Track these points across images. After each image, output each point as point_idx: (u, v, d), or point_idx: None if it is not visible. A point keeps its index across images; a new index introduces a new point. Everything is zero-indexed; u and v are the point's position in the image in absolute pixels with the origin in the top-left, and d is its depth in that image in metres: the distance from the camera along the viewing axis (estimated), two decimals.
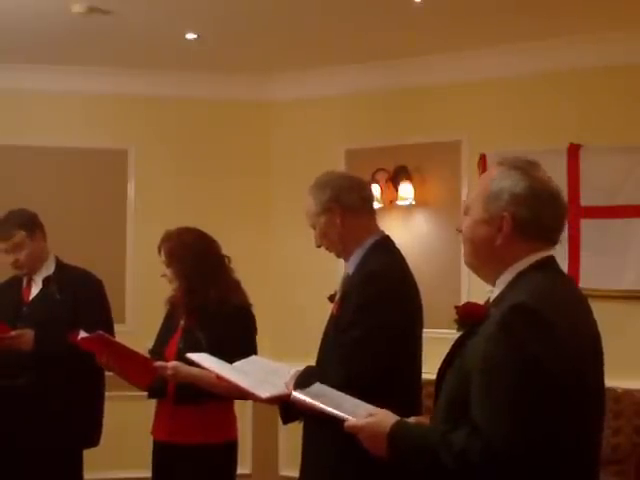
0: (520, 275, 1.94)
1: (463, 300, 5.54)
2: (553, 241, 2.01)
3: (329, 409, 2.11)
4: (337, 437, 2.56)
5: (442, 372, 1.98)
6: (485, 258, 2.00)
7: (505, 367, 1.77)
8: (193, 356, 3.09)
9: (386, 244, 2.81)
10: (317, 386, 2.30)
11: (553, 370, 1.77)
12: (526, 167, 2.03)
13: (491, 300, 1.98)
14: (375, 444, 1.95)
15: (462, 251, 2.08)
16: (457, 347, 1.96)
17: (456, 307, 1.97)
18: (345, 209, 2.77)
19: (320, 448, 2.70)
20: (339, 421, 2.06)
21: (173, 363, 3.31)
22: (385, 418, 1.97)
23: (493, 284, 2.01)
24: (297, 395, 2.23)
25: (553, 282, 1.95)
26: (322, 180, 2.87)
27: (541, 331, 1.79)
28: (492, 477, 1.75)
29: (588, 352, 1.90)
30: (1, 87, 5.91)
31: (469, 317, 1.94)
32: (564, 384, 1.78)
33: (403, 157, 5.73)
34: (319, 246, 2.87)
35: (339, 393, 2.25)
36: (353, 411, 2.09)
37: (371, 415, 2.01)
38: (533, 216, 1.96)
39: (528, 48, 5.35)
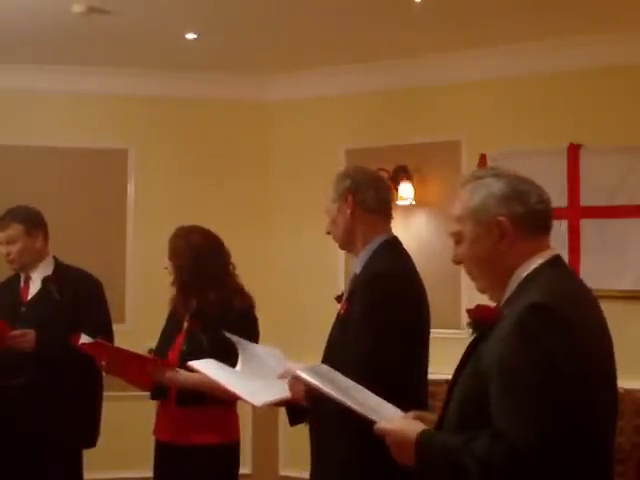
0: (530, 275, 1.91)
1: (463, 300, 5.54)
2: (548, 227, 1.99)
3: (341, 397, 2.13)
4: (346, 433, 2.58)
5: (456, 376, 1.96)
6: (495, 272, 1.96)
7: (524, 368, 1.75)
8: (195, 364, 3.10)
9: (394, 244, 2.81)
10: (323, 367, 2.30)
11: (572, 369, 1.75)
12: (490, 171, 2.02)
13: (502, 302, 1.95)
14: (401, 451, 1.94)
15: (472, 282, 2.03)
16: (471, 350, 1.94)
17: (468, 310, 1.95)
18: (358, 203, 2.79)
19: (329, 445, 2.69)
20: (341, 406, 2.07)
21: (170, 372, 3.32)
22: (413, 426, 1.96)
23: None
24: (304, 376, 2.23)
25: (565, 280, 1.94)
26: (347, 170, 2.95)
27: (559, 329, 1.77)
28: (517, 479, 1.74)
29: (603, 349, 1.89)
30: (1, 87, 5.92)
31: (482, 320, 1.91)
32: (584, 383, 1.77)
33: (403, 157, 5.73)
34: (328, 233, 2.89)
35: (343, 377, 2.26)
36: (362, 401, 2.11)
37: (400, 421, 2.01)
38: (526, 208, 1.94)
39: (528, 48, 5.36)
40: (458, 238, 2.00)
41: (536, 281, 1.89)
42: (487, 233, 1.94)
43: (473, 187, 1.98)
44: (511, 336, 1.78)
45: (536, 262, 1.93)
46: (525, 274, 1.92)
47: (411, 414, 2.09)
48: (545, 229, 1.98)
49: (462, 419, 1.88)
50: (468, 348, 1.96)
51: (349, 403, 2.12)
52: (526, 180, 1.99)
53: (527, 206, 1.94)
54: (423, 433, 1.91)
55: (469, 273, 2.03)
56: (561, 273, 1.95)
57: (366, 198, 2.79)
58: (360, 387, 2.24)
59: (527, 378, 1.74)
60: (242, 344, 3.10)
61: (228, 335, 3.12)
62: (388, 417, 2.07)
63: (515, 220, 1.93)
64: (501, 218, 1.92)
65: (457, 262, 2.04)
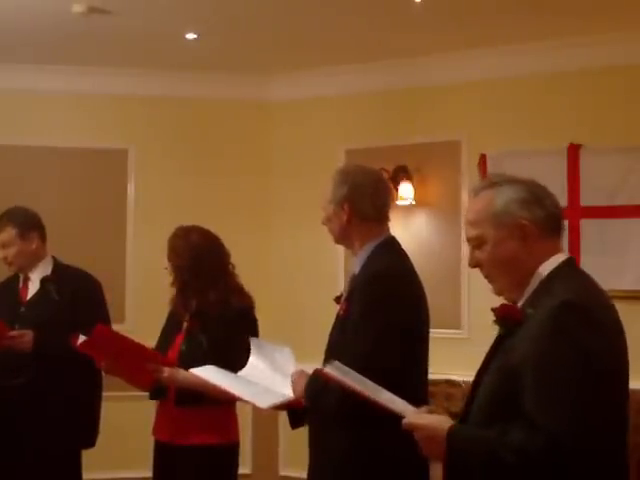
0: (552, 274, 1.98)
1: (463, 300, 5.55)
2: (562, 229, 2.07)
3: (375, 398, 2.14)
4: (345, 437, 2.58)
5: (480, 373, 2.02)
6: (516, 274, 2.02)
7: (560, 363, 1.81)
8: (197, 371, 3.11)
9: (392, 245, 2.80)
10: (337, 363, 2.31)
11: (604, 365, 1.83)
12: (504, 177, 2.10)
13: (522, 302, 2.01)
14: (431, 445, 1.97)
15: (491, 286, 2.09)
16: (495, 349, 2.01)
17: (493, 309, 2.01)
18: (354, 211, 2.77)
19: (326, 449, 2.69)
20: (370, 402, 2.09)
21: (169, 369, 3.32)
22: (442, 421, 1.99)
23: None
24: (332, 373, 2.24)
25: (586, 280, 2.01)
26: (346, 172, 2.86)
27: (592, 327, 1.85)
28: (553, 471, 1.79)
29: (621, 348, 1.96)
30: (1, 87, 5.92)
31: (509, 317, 1.97)
32: (613, 378, 1.86)
33: (403, 157, 5.73)
34: (324, 224, 2.87)
35: (357, 373, 2.28)
36: (381, 396, 2.13)
37: (429, 416, 2.04)
38: (545, 211, 2.02)
39: (528, 48, 5.36)
40: (478, 242, 2.06)
41: (558, 280, 1.96)
42: (510, 236, 2.01)
43: (492, 193, 2.05)
44: (545, 333, 1.84)
45: (555, 262, 2.00)
46: (546, 273, 1.99)
47: (424, 409, 2.12)
48: (560, 231, 2.06)
49: (490, 414, 1.92)
50: (493, 346, 2.02)
51: (377, 399, 2.14)
52: (539, 184, 2.07)
53: (546, 209, 2.02)
54: (454, 427, 1.95)
55: (488, 276, 2.08)
56: (579, 273, 2.04)
57: (363, 207, 2.76)
58: (372, 383, 2.25)
59: (563, 373, 1.81)
60: (255, 341, 3.10)
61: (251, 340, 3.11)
62: (412, 411, 2.09)
63: (537, 223, 2.00)
64: (524, 221, 2.00)
65: (474, 266, 2.09)
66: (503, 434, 1.83)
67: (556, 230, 2.05)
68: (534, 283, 1.99)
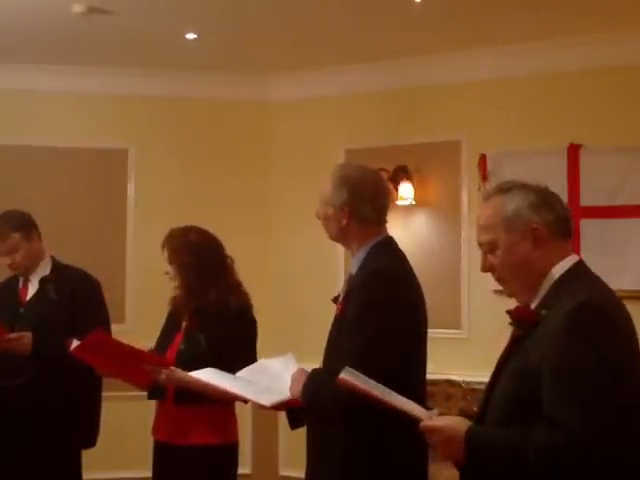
0: (564, 276, 2.03)
1: (463, 300, 5.55)
2: (571, 232, 2.12)
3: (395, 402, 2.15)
4: (344, 436, 2.58)
5: (496, 373, 2.05)
6: (528, 276, 2.07)
7: (579, 363, 1.86)
8: (196, 374, 3.11)
9: (389, 245, 2.79)
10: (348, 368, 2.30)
11: (621, 364, 1.88)
12: (513, 183, 2.14)
13: (534, 303, 2.05)
14: (450, 446, 1.98)
15: (504, 289, 2.13)
16: (510, 350, 2.04)
17: (508, 311, 2.06)
18: (354, 216, 2.74)
19: (325, 449, 2.69)
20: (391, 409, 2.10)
21: (167, 371, 3.30)
22: (460, 422, 2.01)
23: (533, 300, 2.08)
24: (348, 379, 2.23)
25: (597, 281, 2.05)
26: (345, 175, 2.79)
27: (607, 327, 1.90)
28: (575, 470, 1.82)
29: (637, 346, 1.99)
30: (1, 87, 5.92)
31: (525, 319, 2.02)
32: (629, 377, 1.90)
33: (403, 157, 5.73)
34: (319, 219, 2.84)
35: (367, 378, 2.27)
36: (397, 400, 2.14)
37: (445, 418, 2.06)
38: (555, 215, 2.06)
39: (528, 48, 5.36)
40: (490, 247, 2.10)
41: (571, 282, 2.01)
42: (521, 240, 2.06)
43: (503, 198, 2.10)
44: (562, 334, 1.89)
45: (566, 264, 2.05)
46: (558, 275, 2.04)
47: (435, 411, 2.14)
48: (569, 234, 2.11)
49: (508, 414, 1.96)
50: (507, 347, 2.06)
51: (393, 402, 2.14)
52: (547, 189, 2.12)
53: (555, 212, 2.07)
54: (472, 428, 1.97)
55: (500, 279, 2.12)
56: (590, 274, 2.07)
57: (363, 210, 2.74)
58: (383, 386, 2.25)
59: (581, 372, 1.85)
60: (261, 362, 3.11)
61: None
62: (426, 414, 2.10)
63: (547, 226, 2.05)
64: (535, 225, 2.05)
65: (487, 270, 2.13)
66: (523, 434, 1.86)
67: (566, 233, 2.09)
68: (546, 285, 2.04)
